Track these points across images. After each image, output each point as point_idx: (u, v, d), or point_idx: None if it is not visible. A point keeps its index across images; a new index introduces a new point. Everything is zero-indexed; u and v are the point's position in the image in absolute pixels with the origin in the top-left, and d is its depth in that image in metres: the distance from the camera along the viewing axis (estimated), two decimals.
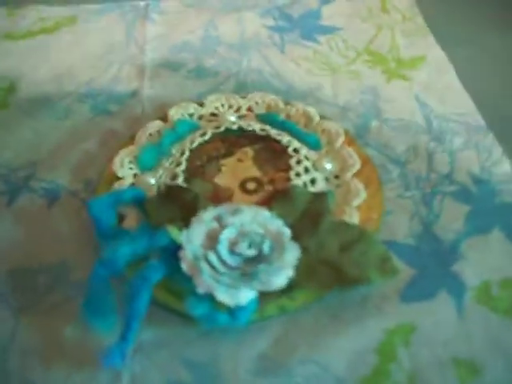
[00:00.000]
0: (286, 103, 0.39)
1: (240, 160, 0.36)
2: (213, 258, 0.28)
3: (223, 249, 0.28)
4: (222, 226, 0.30)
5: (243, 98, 0.40)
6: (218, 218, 0.30)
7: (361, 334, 0.28)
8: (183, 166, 0.35)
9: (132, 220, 0.32)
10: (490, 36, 0.46)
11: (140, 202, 0.32)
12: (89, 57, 0.47)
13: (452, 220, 0.33)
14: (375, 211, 0.33)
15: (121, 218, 0.32)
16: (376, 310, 0.29)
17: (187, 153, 0.35)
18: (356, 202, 0.33)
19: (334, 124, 0.37)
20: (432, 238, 0.32)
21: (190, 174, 0.35)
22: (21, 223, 0.34)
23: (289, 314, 0.29)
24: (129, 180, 0.35)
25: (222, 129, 0.37)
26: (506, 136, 0.38)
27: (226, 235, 0.29)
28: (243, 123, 0.37)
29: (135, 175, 0.35)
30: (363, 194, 0.33)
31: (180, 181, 0.34)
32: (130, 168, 0.35)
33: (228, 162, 0.36)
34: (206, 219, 0.30)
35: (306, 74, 0.44)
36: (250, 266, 0.28)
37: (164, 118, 0.39)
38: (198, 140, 0.36)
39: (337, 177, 0.35)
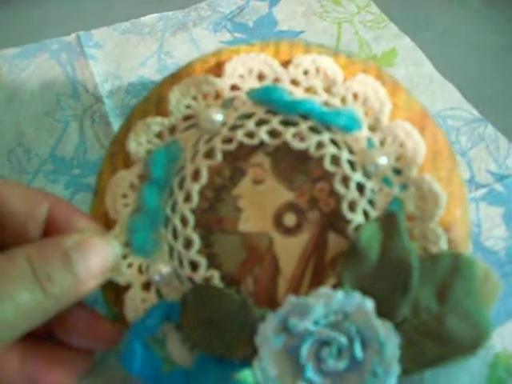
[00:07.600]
0: (284, 62, 0.25)
1: (257, 181, 0.26)
2: None
3: (312, 374, 0.23)
4: (293, 336, 0.23)
5: (218, 76, 0.25)
6: (284, 327, 0.23)
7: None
8: (197, 245, 0.25)
9: (176, 343, 0.25)
10: (450, 15, 0.44)
11: (175, 316, 0.25)
12: (29, 117, 0.37)
13: (493, 226, 0.32)
14: (458, 205, 0.25)
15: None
16: None
17: (192, 221, 0.25)
18: (438, 215, 0.24)
19: (371, 80, 0.25)
20: (486, 251, 0.31)
21: (204, 231, 0.25)
22: None
23: None
24: (137, 283, 0.25)
25: (219, 159, 0.25)
26: (500, 122, 0.36)
27: (307, 351, 0.23)
28: (241, 136, 0.25)
29: (140, 269, 0.26)
30: (444, 198, 0.24)
31: (202, 271, 0.25)
32: (129, 265, 0.25)
33: (244, 191, 0.26)
34: (269, 336, 0.23)
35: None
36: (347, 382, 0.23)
37: (121, 158, 0.26)
38: (195, 188, 0.25)
39: (397, 171, 0.25)
